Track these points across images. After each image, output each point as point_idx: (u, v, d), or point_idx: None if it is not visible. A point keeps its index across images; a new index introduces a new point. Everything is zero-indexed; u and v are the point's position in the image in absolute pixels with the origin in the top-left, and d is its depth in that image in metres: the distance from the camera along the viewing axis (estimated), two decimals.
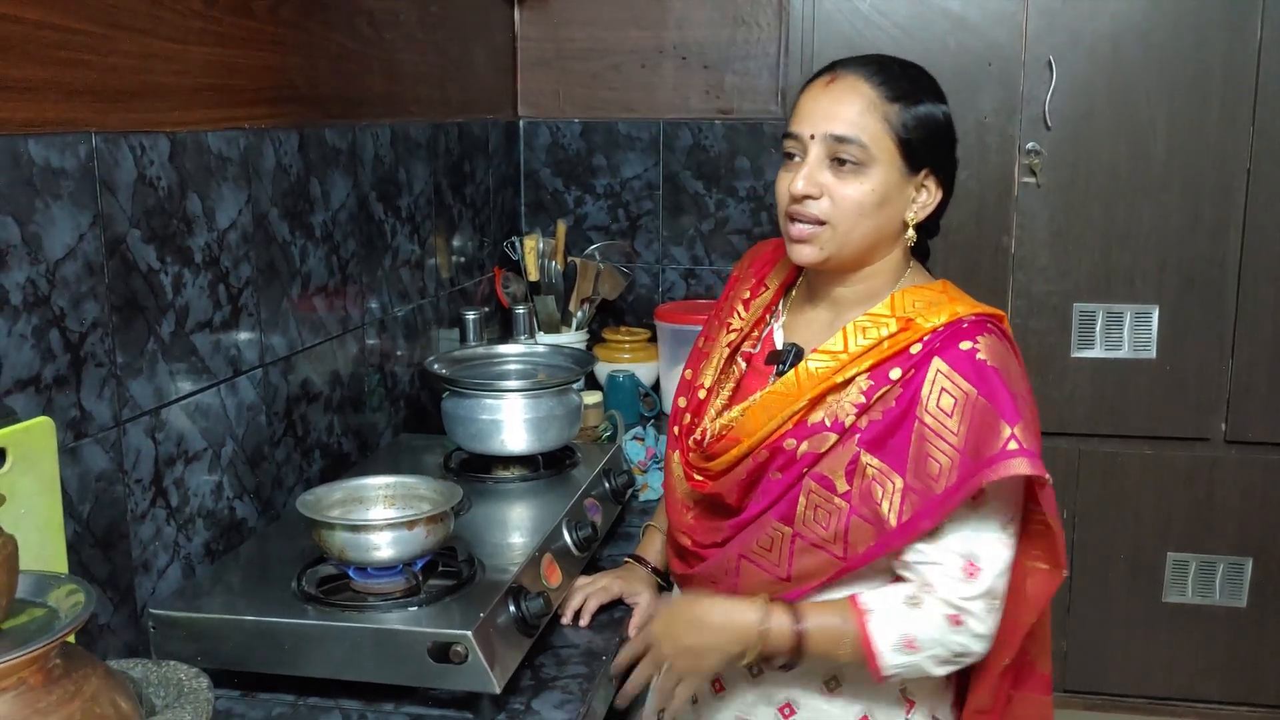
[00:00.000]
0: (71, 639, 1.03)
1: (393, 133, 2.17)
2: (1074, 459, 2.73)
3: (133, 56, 1.40)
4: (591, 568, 1.75)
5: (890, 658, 1.34)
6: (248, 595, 1.45)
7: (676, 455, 1.61)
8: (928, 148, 1.40)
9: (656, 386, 2.81)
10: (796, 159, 1.41)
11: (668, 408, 2.72)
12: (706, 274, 3.02)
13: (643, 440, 2.29)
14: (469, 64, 2.66)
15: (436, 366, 1.99)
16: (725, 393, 1.53)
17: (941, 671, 1.38)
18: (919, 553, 1.36)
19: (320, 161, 1.88)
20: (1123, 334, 2.69)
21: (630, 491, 2.01)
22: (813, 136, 1.39)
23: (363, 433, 2.08)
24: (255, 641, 1.37)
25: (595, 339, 2.91)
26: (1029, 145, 2.64)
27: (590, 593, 1.63)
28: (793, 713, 1.47)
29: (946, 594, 1.34)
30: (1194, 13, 2.55)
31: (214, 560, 1.59)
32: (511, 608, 1.43)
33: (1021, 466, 1.29)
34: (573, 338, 2.78)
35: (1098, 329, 2.69)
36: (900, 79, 1.40)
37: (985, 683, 1.45)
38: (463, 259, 2.59)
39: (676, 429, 1.62)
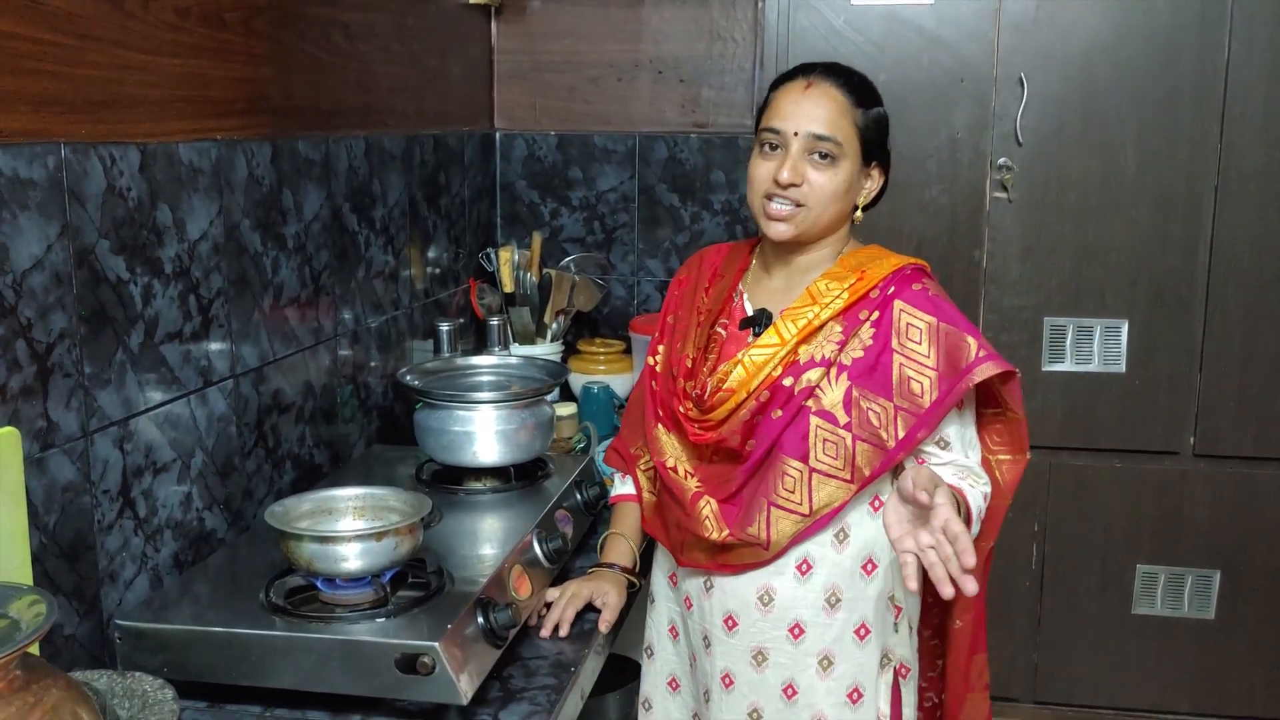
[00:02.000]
0: (35, 650, 1.03)
1: (367, 144, 2.18)
2: (1044, 472, 2.75)
3: (103, 68, 1.40)
4: (561, 579, 1.76)
5: (975, 525, 1.55)
6: (215, 606, 1.44)
7: (661, 428, 1.73)
8: (878, 143, 1.65)
9: None
10: (776, 150, 1.62)
11: None
12: None
13: None
14: (445, 76, 2.67)
15: (409, 378, 1.99)
16: (712, 358, 1.70)
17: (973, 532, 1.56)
18: (939, 461, 1.60)
19: (293, 173, 1.88)
20: (1093, 348, 2.71)
21: (602, 503, 2.01)
22: (796, 134, 1.60)
23: (335, 444, 2.08)
24: (222, 653, 1.37)
25: (570, 350, 2.92)
26: (1000, 161, 2.67)
27: (564, 603, 1.64)
28: (802, 632, 1.63)
29: (975, 482, 1.58)
30: (1164, 32, 2.58)
31: (182, 571, 1.59)
32: (480, 619, 1.43)
33: (992, 368, 1.55)
34: (547, 349, 2.78)
35: (1068, 343, 2.72)
36: (860, 87, 1.65)
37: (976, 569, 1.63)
38: (437, 270, 2.60)
39: (674, 401, 1.72)
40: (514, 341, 2.75)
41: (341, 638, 1.35)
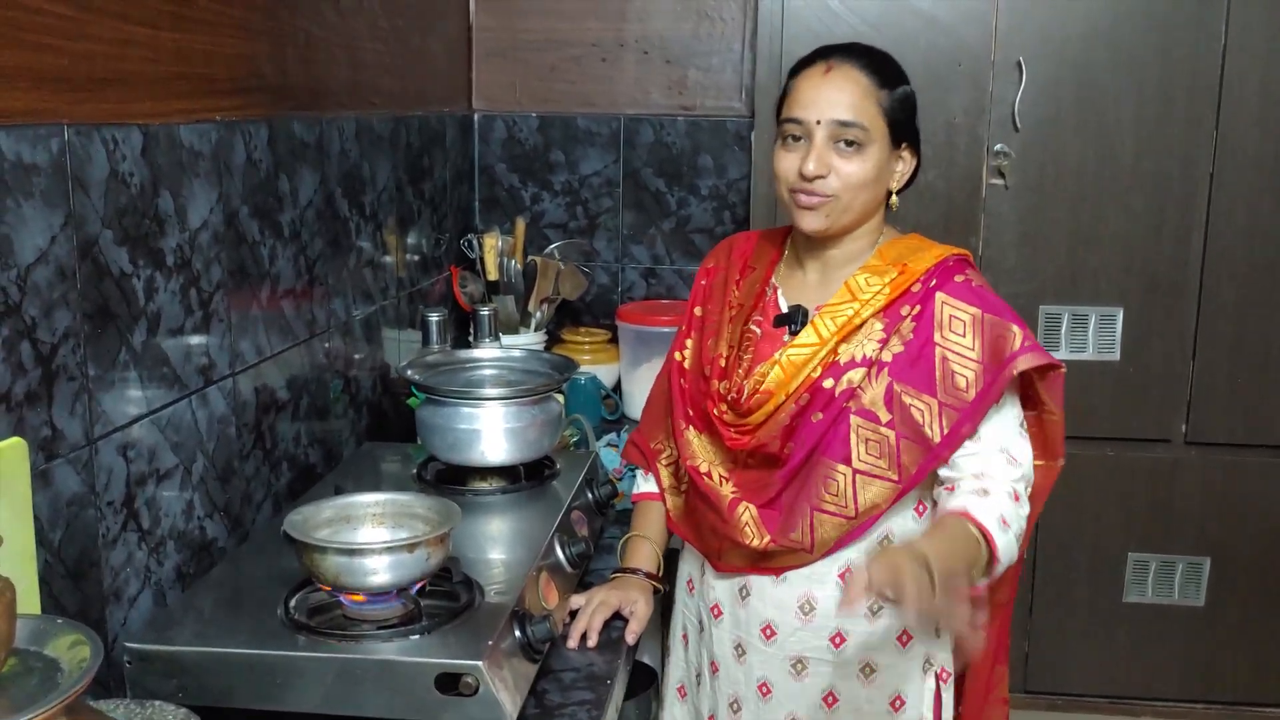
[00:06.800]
0: None
1: (358, 125, 2.07)
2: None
3: (104, 42, 1.28)
4: (580, 585, 1.68)
5: (999, 538, 1.42)
6: (231, 625, 1.34)
7: (691, 430, 1.65)
8: (907, 124, 1.56)
9: (618, 388, 2.74)
10: (800, 141, 1.52)
11: (630, 410, 2.65)
12: (668, 274, 2.96)
13: (617, 447, 2.22)
14: (426, 54, 2.56)
15: (410, 372, 1.90)
16: (747, 358, 1.61)
17: (1016, 550, 1.47)
18: (966, 453, 1.49)
19: (289, 155, 1.77)
20: (1087, 336, 2.69)
21: (612, 502, 1.94)
22: (819, 122, 1.50)
23: (327, 442, 1.98)
24: (243, 675, 1.27)
25: (553, 340, 2.83)
26: (997, 147, 2.62)
27: (591, 611, 1.56)
28: (844, 641, 1.57)
29: (1002, 478, 1.47)
30: (1161, 16, 2.55)
31: (185, 585, 1.48)
32: (517, 632, 1.35)
33: (1033, 359, 1.48)
34: (531, 339, 2.69)
35: (1063, 331, 2.69)
36: (884, 66, 1.55)
37: (1006, 574, 1.55)
38: (418, 257, 2.49)
39: (705, 402, 1.64)
40: (499, 331, 2.66)
41: (376, 658, 1.26)
